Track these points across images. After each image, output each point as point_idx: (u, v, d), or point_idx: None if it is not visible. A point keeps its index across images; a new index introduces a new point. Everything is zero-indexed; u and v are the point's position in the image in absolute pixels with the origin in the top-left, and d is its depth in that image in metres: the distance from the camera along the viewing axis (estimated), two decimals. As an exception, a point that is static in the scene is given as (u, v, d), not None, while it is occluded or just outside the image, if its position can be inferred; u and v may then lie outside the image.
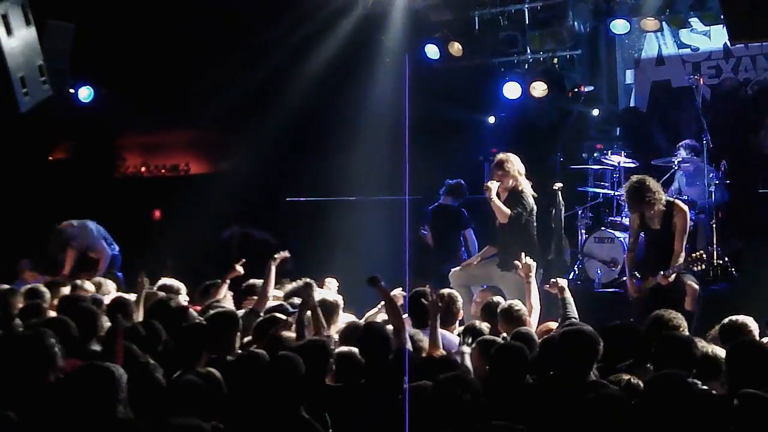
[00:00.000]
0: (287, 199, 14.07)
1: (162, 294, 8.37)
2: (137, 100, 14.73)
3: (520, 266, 8.37)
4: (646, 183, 9.24)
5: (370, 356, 6.19)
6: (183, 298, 8.65)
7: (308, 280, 7.41)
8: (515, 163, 9.40)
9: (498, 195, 9.38)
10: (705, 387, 5.45)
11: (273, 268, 8.16)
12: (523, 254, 8.41)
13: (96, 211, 13.03)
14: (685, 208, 9.33)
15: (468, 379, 5.32)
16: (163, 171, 16.72)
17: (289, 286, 8.10)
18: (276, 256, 8.35)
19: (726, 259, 11.35)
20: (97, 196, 14.51)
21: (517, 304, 7.68)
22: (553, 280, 7.98)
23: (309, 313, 7.18)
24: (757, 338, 6.67)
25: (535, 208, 9.39)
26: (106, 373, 5.03)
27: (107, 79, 14.24)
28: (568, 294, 7.83)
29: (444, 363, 6.07)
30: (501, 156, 9.46)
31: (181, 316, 7.23)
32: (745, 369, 5.42)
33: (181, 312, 7.38)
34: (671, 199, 9.51)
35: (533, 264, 8.34)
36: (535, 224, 9.41)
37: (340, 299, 7.77)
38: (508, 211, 9.29)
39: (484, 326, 7.23)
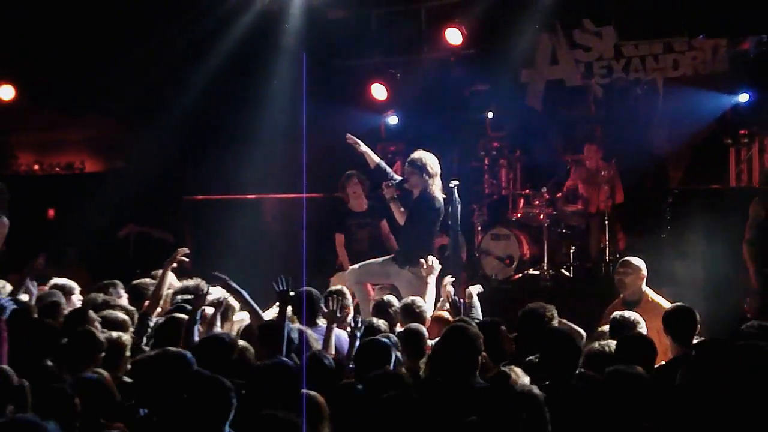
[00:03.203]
0: (185, 197, 13.93)
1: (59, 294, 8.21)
2: (30, 96, 14.45)
3: (425, 266, 8.47)
4: None
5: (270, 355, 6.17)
6: (77, 298, 8.49)
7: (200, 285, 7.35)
8: (429, 163, 9.28)
9: (411, 192, 9.43)
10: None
11: (168, 270, 7.99)
12: (430, 257, 8.51)
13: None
14: None
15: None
16: (57, 169, 16.42)
17: (179, 285, 7.95)
18: (176, 257, 8.14)
19: (617, 255, 11.63)
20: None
21: (419, 301, 7.76)
22: (468, 290, 8.09)
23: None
24: (643, 332, 6.90)
25: (442, 211, 9.39)
26: None
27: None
28: (475, 299, 7.95)
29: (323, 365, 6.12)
30: (415, 154, 9.43)
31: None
32: (632, 359, 5.64)
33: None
34: None
35: (437, 267, 8.45)
36: (438, 226, 9.44)
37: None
38: (402, 211, 9.41)
39: (381, 323, 7.29)
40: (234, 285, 7.32)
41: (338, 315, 7.09)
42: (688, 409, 5.15)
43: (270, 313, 7.53)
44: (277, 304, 6.96)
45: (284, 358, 5.89)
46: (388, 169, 9.79)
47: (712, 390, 5.24)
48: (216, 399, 5.04)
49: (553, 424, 4.90)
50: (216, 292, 7.55)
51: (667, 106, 12.88)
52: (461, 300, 7.81)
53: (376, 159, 9.84)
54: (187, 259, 8.36)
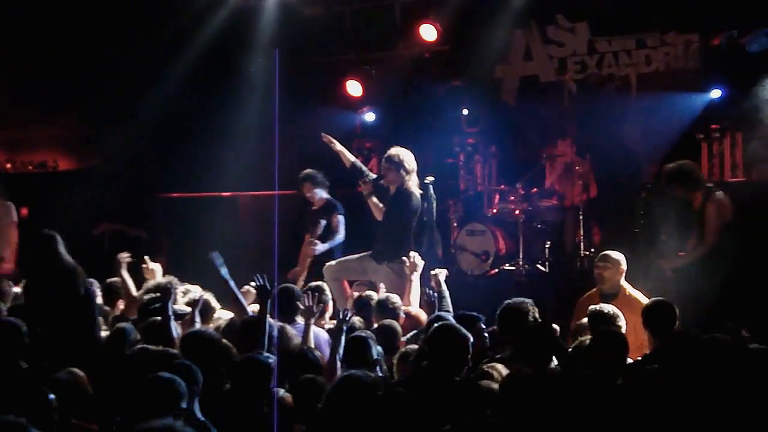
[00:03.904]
0: (159, 195, 13.87)
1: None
2: (2, 94, 14.35)
3: (408, 263, 8.48)
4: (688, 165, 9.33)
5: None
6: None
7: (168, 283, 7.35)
8: (406, 159, 9.40)
9: (387, 188, 9.46)
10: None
11: (123, 273, 8.04)
12: (415, 254, 8.53)
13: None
14: (721, 198, 9.16)
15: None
16: (30, 167, 16.29)
17: (151, 283, 7.98)
18: (120, 263, 8.25)
19: (592, 250, 11.68)
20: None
21: (393, 297, 7.77)
22: (433, 272, 8.10)
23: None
24: (622, 325, 6.94)
25: (419, 207, 9.45)
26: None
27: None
28: (444, 288, 7.97)
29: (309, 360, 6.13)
30: (392, 151, 9.49)
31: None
32: (608, 355, 5.68)
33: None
34: (712, 186, 9.40)
35: (420, 263, 8.47)
36: (415, 223, 9.47)
37: (211, 297, 7.75)
38: (381, 206, 9.45)
39: (357, 320, 7.30)
40: (225, 274, 7.30)
41: (315, 311, 7.10)
42: (662, 402, 5.18)
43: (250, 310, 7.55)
44: (258, 300, 6.97)
45: (261, 354, 5.87)
46: (364, 168, 9.84)
47: (682, 382, 5.29)
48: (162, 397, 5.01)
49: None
50: (195, 291, 7.56)
51: (640, 101, 12.95)
52: (434, 293, 7.84)
53: (352, 158, 9.89)
54: (129, 259, 8.39)
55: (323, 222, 10.26)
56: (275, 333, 6.50)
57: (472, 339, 5.90)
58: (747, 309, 8.52)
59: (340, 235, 10.26)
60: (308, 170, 10.60)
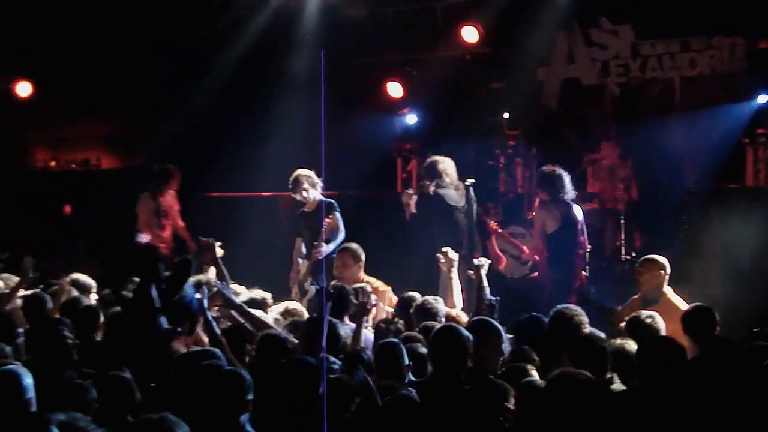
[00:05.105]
0: (200, 194, 13.94)
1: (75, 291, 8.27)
2: (47, 93, 14.51)
3: (443, 260, 8.48)
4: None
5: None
6: (94, 296, 8.55)
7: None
8: (443, 167, 9.55)
9: (429, 195, 9.52)
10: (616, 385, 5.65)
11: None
12: (448, 249, 8.52)
13: (3, 206, 12.83)
14: (540, 210, 9.65)
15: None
16: (73, 165, 16.47)
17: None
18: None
19: (633, 254, 11.60)
20: (5, 191, 14.27)
21: (432, 299, 7.74)
22: (476, 261, 8.06)
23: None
24: (662, 331, 6.85)
25: (462, 208, 9.49)
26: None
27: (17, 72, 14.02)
28: (485, 281, 7.91)
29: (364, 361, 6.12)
30: (430, 159, 9.59)
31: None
32: (656, 363, 5.56)
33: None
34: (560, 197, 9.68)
35: (455, 258, 8.44)
36: (457, 223, 9.51)
37: (268, 296, 7.85)
38: (414, 212, 9.56)
39: (399, 323, 7.30)
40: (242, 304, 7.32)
41: (369, 309, 7.13)
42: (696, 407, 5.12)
43: (276, 310, 7.63)
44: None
45: (308, 357, 5.88)
46: None
47: (718, 389, 5.22)
48: (231, 391, 5.06)
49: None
50: (253, 292, 7.65)
51: (684, 104, 12.85)
52: (495, 299, 7.76)
53: None
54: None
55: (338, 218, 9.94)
56: (342, 333, 6.55)
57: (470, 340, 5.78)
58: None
59: (342, 234, 9.79)
60: (301, 170, 10.20)
